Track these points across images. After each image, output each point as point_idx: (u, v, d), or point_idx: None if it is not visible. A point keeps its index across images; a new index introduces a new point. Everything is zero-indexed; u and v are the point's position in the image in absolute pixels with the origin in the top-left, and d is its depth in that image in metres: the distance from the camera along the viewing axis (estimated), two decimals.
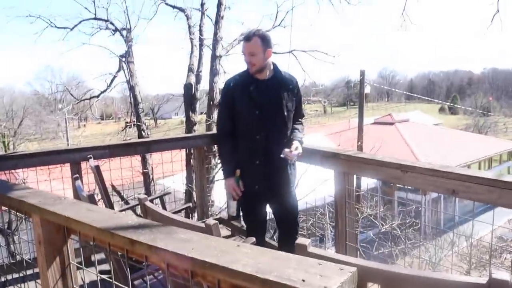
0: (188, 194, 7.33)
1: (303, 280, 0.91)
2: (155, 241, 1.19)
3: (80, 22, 9.51)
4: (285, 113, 2.92)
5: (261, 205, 3.08)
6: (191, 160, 6.54)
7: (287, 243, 3.02)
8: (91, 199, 2.19)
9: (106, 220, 1.38)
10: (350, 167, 2.99)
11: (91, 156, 3.55)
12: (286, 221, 3.18)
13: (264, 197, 3.04)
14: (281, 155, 2.83)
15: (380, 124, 21.52)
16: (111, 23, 9.59)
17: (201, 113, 8.91)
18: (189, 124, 8.27)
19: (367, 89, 15.53)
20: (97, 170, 3.24)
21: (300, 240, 1.30)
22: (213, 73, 8.36)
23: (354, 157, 2.98)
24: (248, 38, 2.83)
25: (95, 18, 9.56)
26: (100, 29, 9.63)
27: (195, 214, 5.16)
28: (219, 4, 8.55)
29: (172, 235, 1.23)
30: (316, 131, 18.97)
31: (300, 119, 3.14)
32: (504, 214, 15.49)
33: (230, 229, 4.43)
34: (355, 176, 3.28)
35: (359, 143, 13.41)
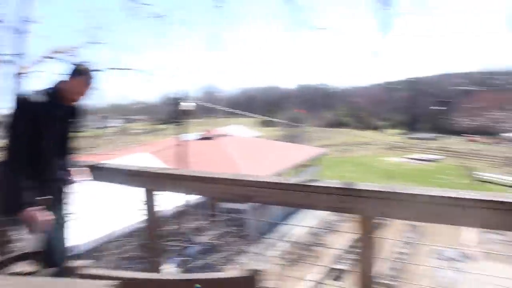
0: None
1: None
2: None
3: None
4: (74, 139, 3.02)
5: (53, 232, 2.90)
6: None
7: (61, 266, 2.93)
8: None
9: None
10: (155, 183, 3.05)
11: None
12: (63, 245, 3.07)
13: (54, 223, 2.88)
14: (68, 180, 2.90)
15: (204, 139, 22.29)
16: None
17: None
18: None
19: (190, 106, 15.93)
20: None
21: (71, 263, 1.30)
22: (16, 91, 7.59)
23: (156, 173, 3.05)
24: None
25: None
26: None
27: None
28: (24, 17, 7.82)
29: None
30: (141, 150, 18.57)
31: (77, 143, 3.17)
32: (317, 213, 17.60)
33: (37, 264, 4.03)
34: (168, 192, 3.33)
35: (181, 159, 13.74)
